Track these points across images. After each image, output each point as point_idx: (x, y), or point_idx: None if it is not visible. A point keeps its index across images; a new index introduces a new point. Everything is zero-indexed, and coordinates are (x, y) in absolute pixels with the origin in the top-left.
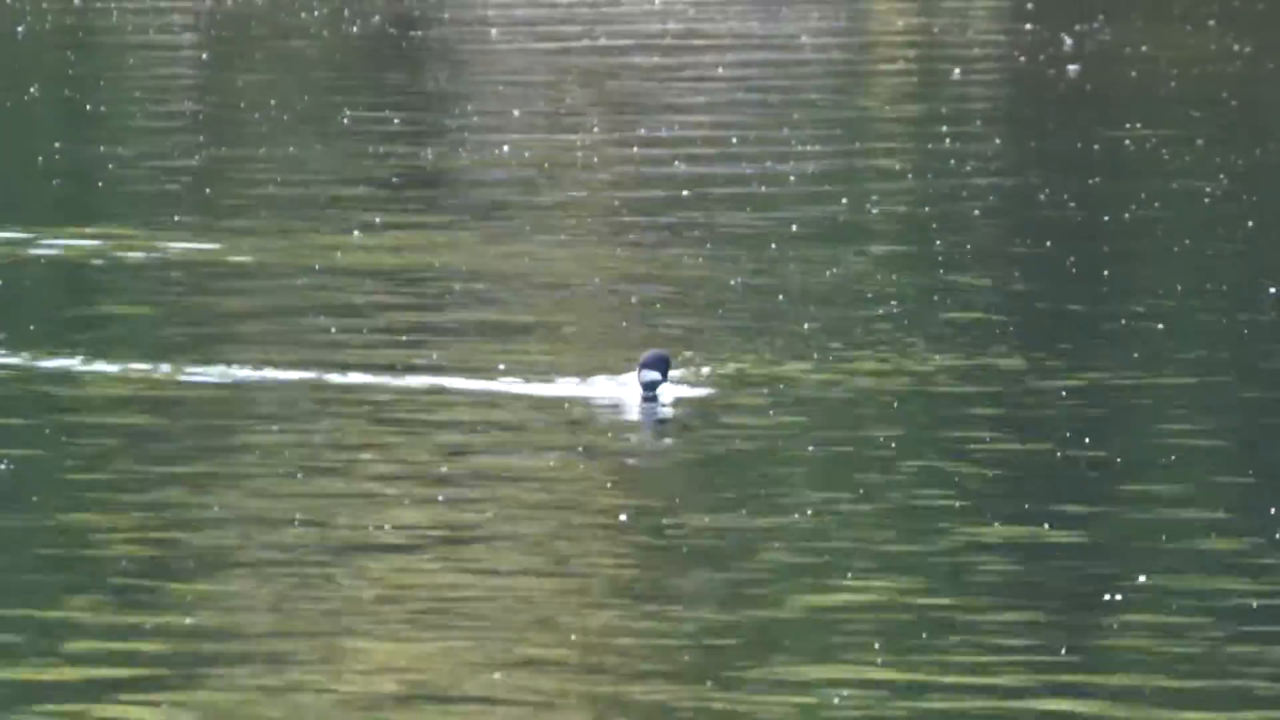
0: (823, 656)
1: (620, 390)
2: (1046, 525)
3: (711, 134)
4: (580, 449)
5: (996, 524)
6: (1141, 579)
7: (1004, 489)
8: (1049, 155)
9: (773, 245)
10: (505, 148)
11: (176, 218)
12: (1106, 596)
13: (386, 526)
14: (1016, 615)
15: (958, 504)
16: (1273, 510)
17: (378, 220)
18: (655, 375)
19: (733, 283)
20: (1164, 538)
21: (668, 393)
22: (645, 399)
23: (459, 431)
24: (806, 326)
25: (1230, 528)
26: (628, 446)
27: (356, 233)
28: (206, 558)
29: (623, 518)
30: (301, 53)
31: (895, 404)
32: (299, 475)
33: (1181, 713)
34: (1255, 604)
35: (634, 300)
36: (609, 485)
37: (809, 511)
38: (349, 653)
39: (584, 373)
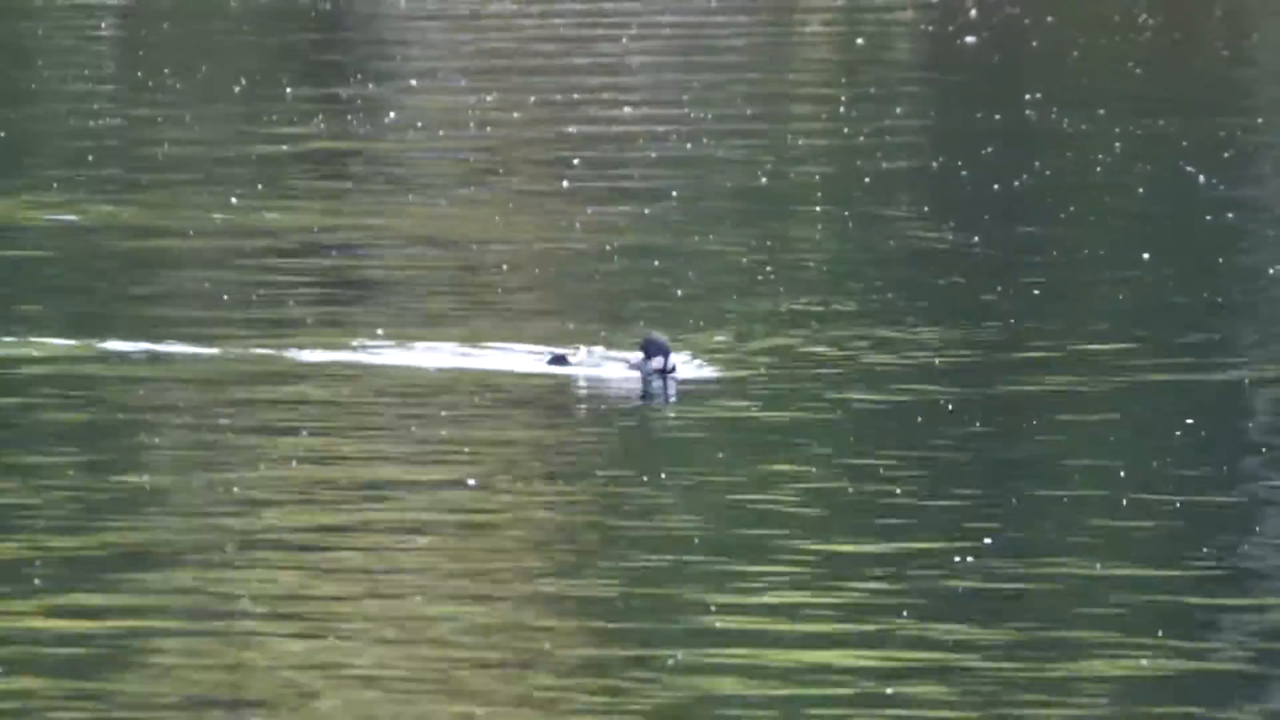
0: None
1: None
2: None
3: (611, 96)
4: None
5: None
6: (1066, 572)
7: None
8: (943, 126)
9: (646, 210)
10: (392, 114)
11: (55, 185)
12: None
13: (309, 515)
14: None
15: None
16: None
17: (259, 187)
18: (660, 361)
19: (659, 258)
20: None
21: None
22: (649, 379)
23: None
24: (732, 300)
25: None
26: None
27: (233, 199)
28: (109, 547)
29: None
30: (207, 23)
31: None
32: (210, 456)
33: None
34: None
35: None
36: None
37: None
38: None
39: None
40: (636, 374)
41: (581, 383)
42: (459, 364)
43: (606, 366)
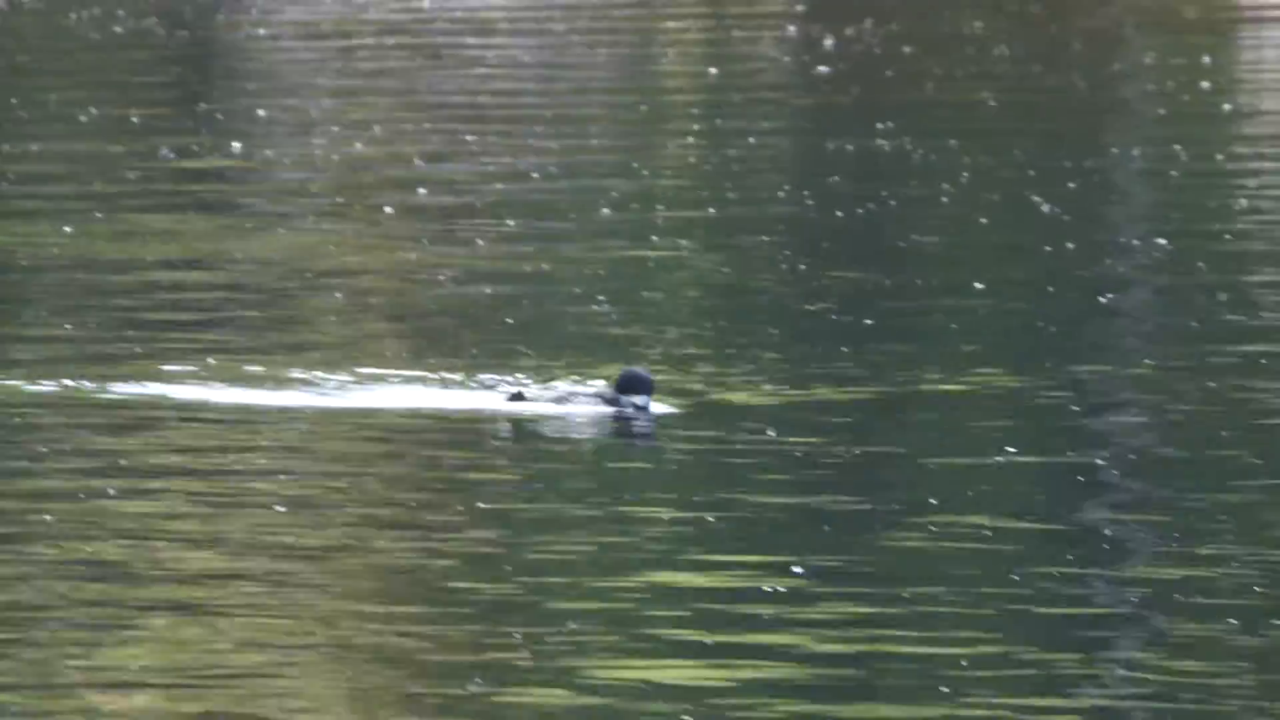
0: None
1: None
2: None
3: (465, 127)
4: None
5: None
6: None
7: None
8: (792, 155)
9: (478, 242)
10: (237, 145)
11: None
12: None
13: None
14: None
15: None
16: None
17: (97, 215)
18: (641, 399)
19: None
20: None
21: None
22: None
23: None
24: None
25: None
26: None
27: (67, 228)
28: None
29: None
30: (67, 52)
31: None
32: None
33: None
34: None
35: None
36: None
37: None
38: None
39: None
40: (607, 410)
41: (544, 420)
42: (379, 402)
43: (574, 402)
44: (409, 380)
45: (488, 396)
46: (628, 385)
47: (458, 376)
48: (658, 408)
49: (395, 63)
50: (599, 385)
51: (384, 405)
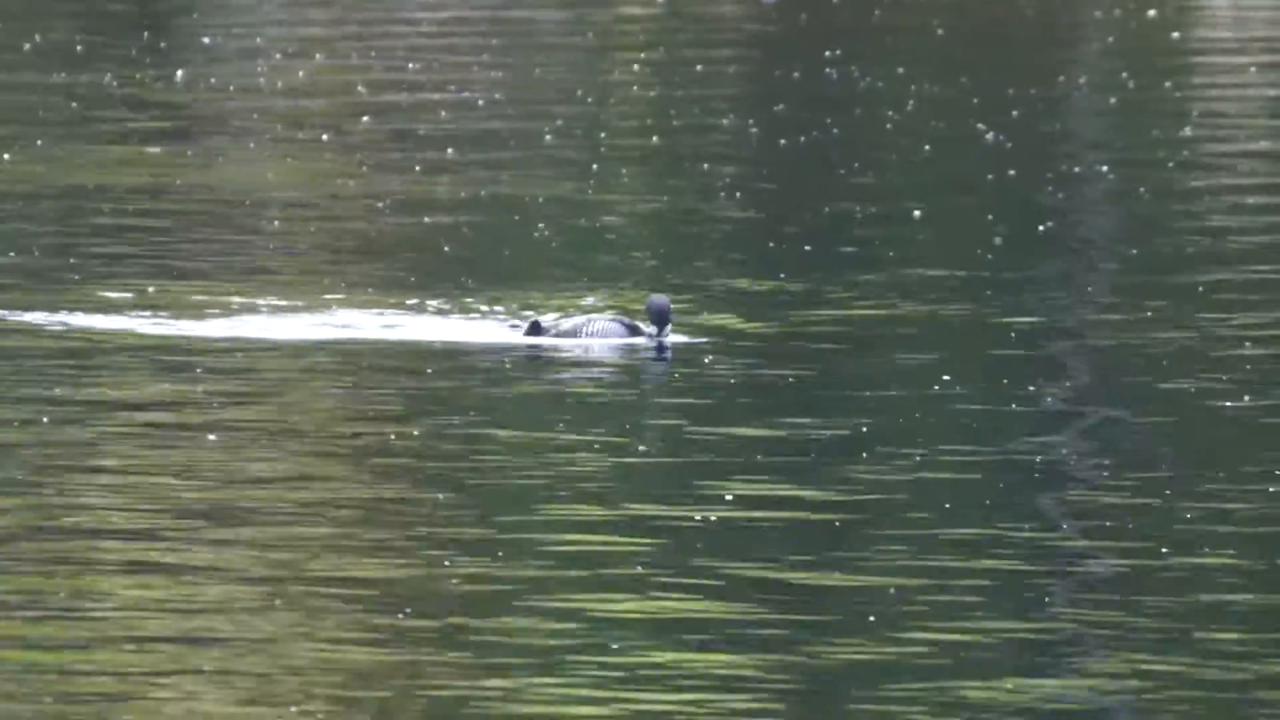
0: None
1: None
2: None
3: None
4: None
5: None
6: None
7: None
8: (739, 84)
9: (417, 170)
10: (180, 73)
11: None
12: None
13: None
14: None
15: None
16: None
17: (39, 142)
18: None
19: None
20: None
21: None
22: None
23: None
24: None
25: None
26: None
27: (6, 155)
28: None
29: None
30: None
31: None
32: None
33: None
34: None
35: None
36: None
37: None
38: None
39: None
40: (622, 340)
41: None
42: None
43: (589, 332)
44: (348, 308)
45: (482, 327)
46: (649, 314)
47: (399, 305)
48: (673, 338)
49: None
50: (612, 315)
51: (328, 335)
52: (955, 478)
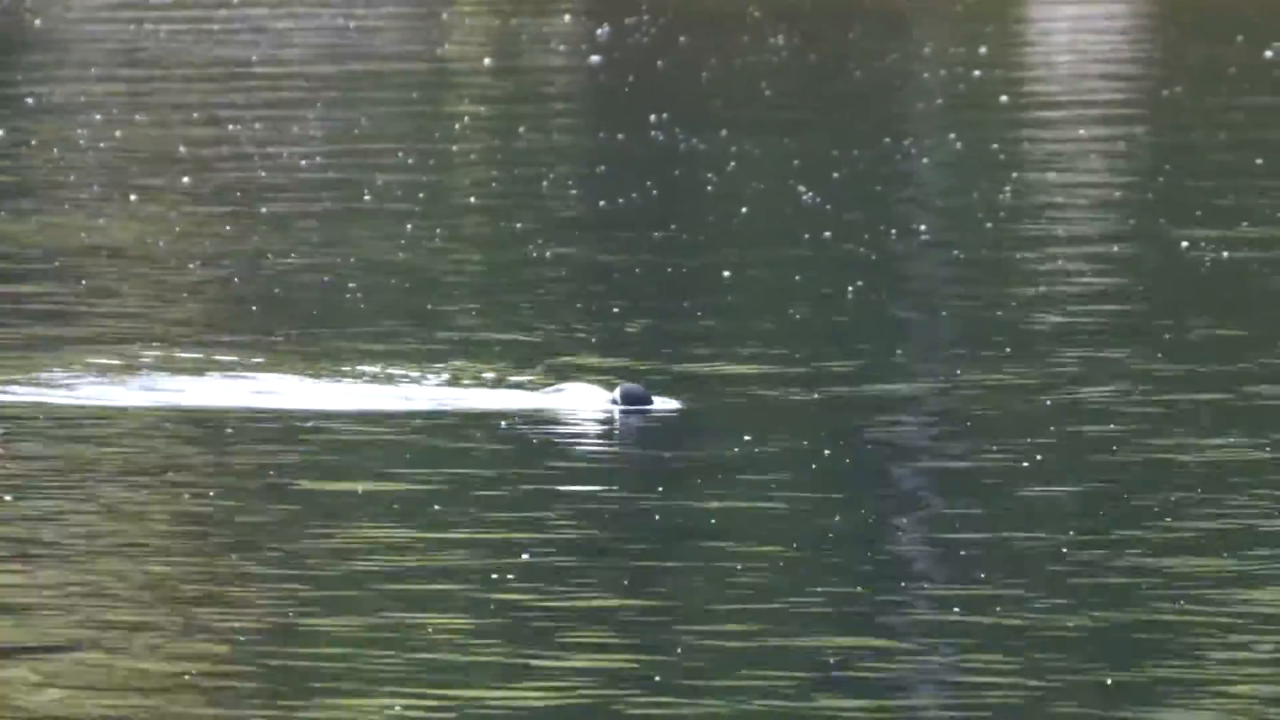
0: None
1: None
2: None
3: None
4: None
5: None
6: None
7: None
8: (561, 145)
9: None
10: (0, 131)
11: None
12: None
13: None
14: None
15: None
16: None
17: None
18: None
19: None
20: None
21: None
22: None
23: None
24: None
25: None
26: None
27: None
28: None
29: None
30: None
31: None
32: None
33: None
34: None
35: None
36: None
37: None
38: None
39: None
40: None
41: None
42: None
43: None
44: (160, 369)
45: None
46: (629, 399)
47: (208, 363)
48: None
49: (176, 43)
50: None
51: (139, 398)
52: (768, 526)
